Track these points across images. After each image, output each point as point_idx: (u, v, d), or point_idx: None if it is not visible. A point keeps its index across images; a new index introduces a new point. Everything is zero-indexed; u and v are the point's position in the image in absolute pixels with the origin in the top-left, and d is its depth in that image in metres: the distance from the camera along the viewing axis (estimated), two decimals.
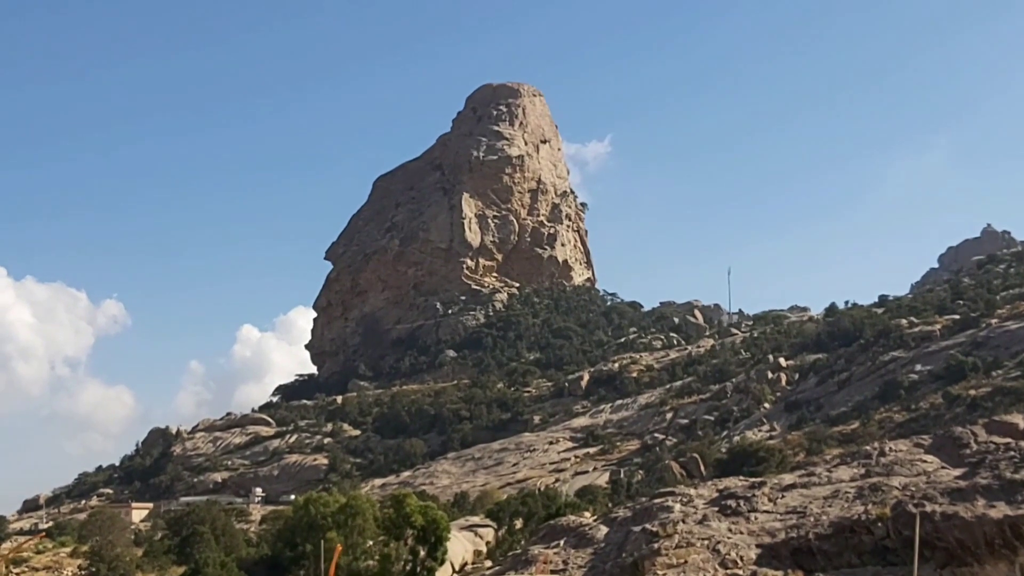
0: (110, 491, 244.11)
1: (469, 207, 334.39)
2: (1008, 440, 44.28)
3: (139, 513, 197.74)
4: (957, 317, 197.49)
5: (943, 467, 43.16)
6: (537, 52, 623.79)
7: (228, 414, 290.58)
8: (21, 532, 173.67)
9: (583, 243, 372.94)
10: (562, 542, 47.10)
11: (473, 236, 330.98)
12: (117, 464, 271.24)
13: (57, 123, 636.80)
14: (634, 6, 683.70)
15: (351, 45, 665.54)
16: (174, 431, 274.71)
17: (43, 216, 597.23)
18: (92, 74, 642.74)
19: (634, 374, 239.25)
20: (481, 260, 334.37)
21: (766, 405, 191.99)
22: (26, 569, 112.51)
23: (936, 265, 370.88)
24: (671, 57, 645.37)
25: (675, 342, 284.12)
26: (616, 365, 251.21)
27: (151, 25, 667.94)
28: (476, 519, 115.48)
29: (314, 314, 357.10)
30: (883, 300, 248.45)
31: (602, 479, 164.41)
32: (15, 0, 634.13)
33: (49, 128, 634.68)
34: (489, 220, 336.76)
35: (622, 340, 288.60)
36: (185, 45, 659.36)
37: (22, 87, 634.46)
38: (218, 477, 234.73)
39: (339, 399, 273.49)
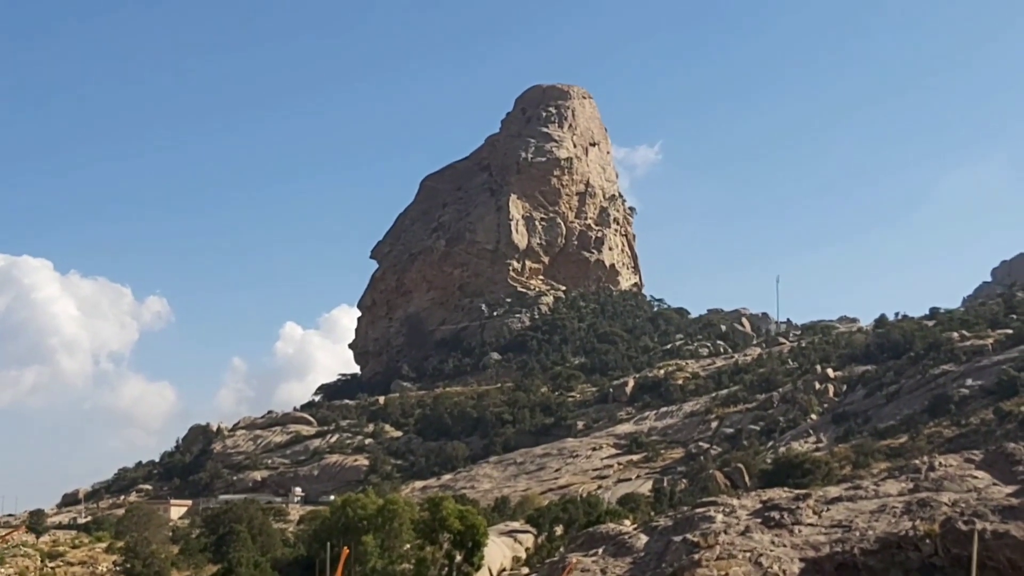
0: (149, 487, 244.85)
1: (516, 209, 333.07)
2: None
3: (178, 510, 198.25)
4: (1010, 331, 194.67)
5: (994, 484, 41.65)
6: (588, 54, 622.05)
7: (269, 412, 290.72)
8: (59, 526, 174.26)
9: (631, 248, 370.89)
10: (600, 550, 45.84)
11: (520, 238, 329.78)
12: (157, 460, 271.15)
13: (103, 123, 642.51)
14: (685, 10, 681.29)
15: (402, 43, 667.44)
16: (215, 428, 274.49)
17: (88, 213, 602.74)
18: (135, 74, 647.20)
19: (679, 381, 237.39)
20: (527, 262, 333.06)
21: (813, 416, 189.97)
22: (61, 563, 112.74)
23: (989, 279, 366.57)
24: (722, 62, 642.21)
25: (722, 350, 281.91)
26: (662, 372, 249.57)
27: (197, 23, 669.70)
28: (516, 524, 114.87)
29: (358, 313, 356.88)
30: (934, 312, 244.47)
31: (645, 487, 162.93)
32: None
33: (96, 128, 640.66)
34: (536, 222, 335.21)
35: (668, 347, 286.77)
36: (232, 43, 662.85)
37: (67, 85, 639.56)
38: (258, 476, 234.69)
39: (381, 400, 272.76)
